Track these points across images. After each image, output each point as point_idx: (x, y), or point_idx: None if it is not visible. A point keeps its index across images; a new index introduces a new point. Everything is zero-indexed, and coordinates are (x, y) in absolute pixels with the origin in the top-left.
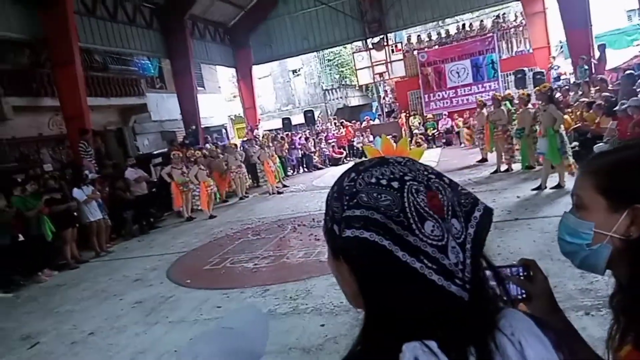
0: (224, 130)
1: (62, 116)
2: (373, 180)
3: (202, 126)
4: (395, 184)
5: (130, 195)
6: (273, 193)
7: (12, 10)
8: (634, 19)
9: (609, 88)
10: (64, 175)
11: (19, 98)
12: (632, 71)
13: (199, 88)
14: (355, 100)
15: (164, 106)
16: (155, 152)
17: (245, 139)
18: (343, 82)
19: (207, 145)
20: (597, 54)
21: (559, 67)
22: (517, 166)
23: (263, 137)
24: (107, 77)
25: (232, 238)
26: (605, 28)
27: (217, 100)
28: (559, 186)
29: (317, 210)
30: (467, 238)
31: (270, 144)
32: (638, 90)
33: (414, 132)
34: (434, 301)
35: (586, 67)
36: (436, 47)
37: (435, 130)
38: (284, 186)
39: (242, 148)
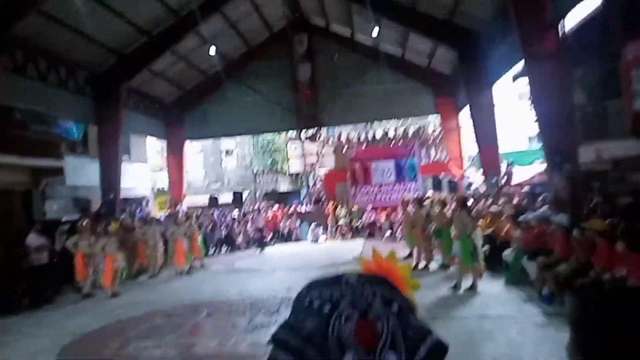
0: (144, 203)
1: None
2: (307, 302)
3: (122, 196)
4: (326, 308)
5: (27, 264)
6: (181, 273)
7: None
8: (534, 143)
9: (515, 201)
10: None
11: None
12: (531, 188)
13: (124, 156)
14: (284, 186)
15: (83, 172)
16: (63, 219)
17: (167, 213)
18: (274, 167)
19: (123, 216)
20: (503, 169)
21: (469, 176)
22: (434, 264)
23: (186, 214)
24: (24, 136)
25: (138, 321)
26: (511, 148)
27: (142, 171)
28: (472, 288)
29: (236, 295)
30: None
31: (193, 222)
32: (539, 204)
33: (339, 222)
34: None
35: (495, 179)
36: (364, 145)
37: (360, 222)
38: (202, 266)
39: (161, 223)
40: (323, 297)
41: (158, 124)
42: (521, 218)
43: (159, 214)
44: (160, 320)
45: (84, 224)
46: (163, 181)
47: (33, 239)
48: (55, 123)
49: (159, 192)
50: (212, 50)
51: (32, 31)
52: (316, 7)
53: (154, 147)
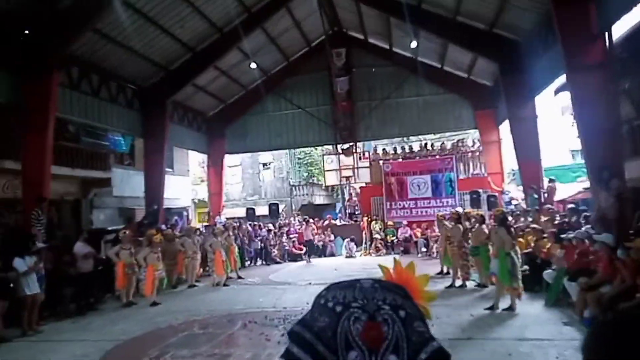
0: (185, 213)
1: (20, 180)
2: (322, 301)
3: (164, 207)
4: (338, 308)
5: (75, 271)
6: (218, 284)
7: None
8: (577, 158)
9: (557, 218)
10: (7, 240)
11: None
12: (574, 205)
13: (167, 169)
14: (320, 198)
15: (129, 183)
16: (109, 228)
17: (206, 224)
18: (310, 180)
19: (163, 227)
20: (546, 185)
21: (510, 192)
22: (471, 283)
23: (224, 225)
24: (76, 149)
25: (176, 329)
26: (553, 163)
27: (184, 183)
28: (510, 308)
29: (271, 307)
30: None
31: (231, 233)
32: (582, 222)
33: (374, 236)
34: None
35: (536, 196)
36: (400, 160)
37: (395, 237)
38: (239, 277)
39: (200, 234)
40: (337, 298)
41: (200, 137)
42: (563, 236)
43: (199, 224)
44: (197, 330)
45: (125, 233)
46: (203, 193)
47: (80, 247)
48: (104, 136)
49: (199, 203)
50: (253, 65)
51: (87, 48)
52: (355, 21)
53: (195, 159)
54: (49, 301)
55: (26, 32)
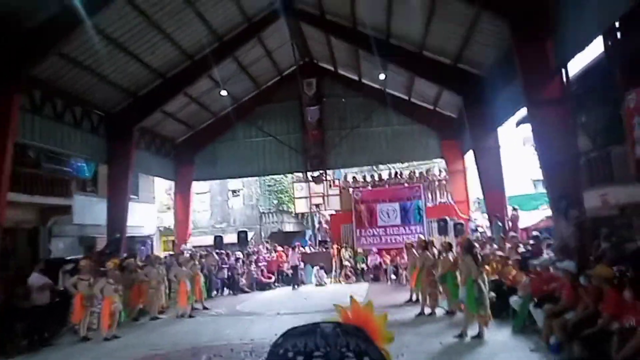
0: (149, 242)
1: None
2: (281, 351)
3: (128, 235)
4: (299, 359)
5: (28, 304)
6: (183, 316)
7: None
8: (539, 187)
9: (521, 246)
10: None
11: None
12: (538, 234)
13: (132, 196)
14: (290, 226)
15: (91, 210)
16: (68, 258)
17: (171, 252)
18: (280, 208)
19: (125, 256)
20: (510, 213)
21: (476, 219)
22: (440, 310)
23: (190, 254)
24: (36, 174)
25: None
26: (516, 192)
27: (149, 210)
28: (479, 336)
29: (238, 339)
30: None
31: (197, 262)
32: (545, 250)
33: (344, 264)
34: None
35: (500, 224)
36: (370, 187)
37: (365, 264)
38: (205, 308)
39: (164, 263)
40: (297, 347)
41: (168, 164)
42: (532, 262)
43: (164, 253)
44: None
45: (84, 264)
46: (169, 220)
47: (36, 278)
48: (67, 162)
49: (165, 231)
50: (224, 93)
51: (52, 72)
52: (325, 52)
53: (162, 186)
54: None
55: None
